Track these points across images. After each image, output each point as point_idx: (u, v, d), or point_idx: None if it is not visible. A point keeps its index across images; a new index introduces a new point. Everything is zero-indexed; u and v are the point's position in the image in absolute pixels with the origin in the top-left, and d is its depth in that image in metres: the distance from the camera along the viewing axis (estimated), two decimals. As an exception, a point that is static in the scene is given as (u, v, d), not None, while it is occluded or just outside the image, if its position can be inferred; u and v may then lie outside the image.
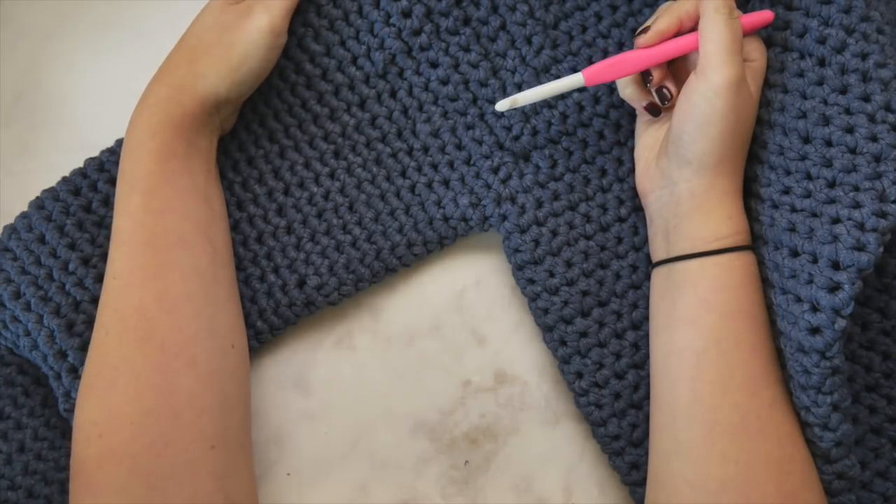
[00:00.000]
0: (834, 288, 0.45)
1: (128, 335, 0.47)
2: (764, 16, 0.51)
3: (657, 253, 0.53)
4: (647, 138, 0.55)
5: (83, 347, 0.51)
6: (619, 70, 0.51)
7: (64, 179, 0.56)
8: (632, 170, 0.57)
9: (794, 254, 0.47)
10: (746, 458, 0.46)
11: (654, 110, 0.53)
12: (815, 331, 0.45)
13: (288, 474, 0.57)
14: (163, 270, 0.48)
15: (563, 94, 0.57)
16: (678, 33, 0.51)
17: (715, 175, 0.49)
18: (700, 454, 0.47)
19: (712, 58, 0.47)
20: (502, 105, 0.52)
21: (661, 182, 0.52)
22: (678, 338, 0.49)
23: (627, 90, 0.54)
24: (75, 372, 0.51)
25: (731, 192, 0.50)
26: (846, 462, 0.47)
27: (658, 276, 0.52)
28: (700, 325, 0.48)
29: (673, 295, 0.50)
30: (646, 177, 0.54)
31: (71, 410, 0.51)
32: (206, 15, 0.54)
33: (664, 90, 0.52)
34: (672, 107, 0.52)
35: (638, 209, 0.57)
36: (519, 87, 0.57)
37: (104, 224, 0.55)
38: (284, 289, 0.56)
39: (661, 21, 0.50)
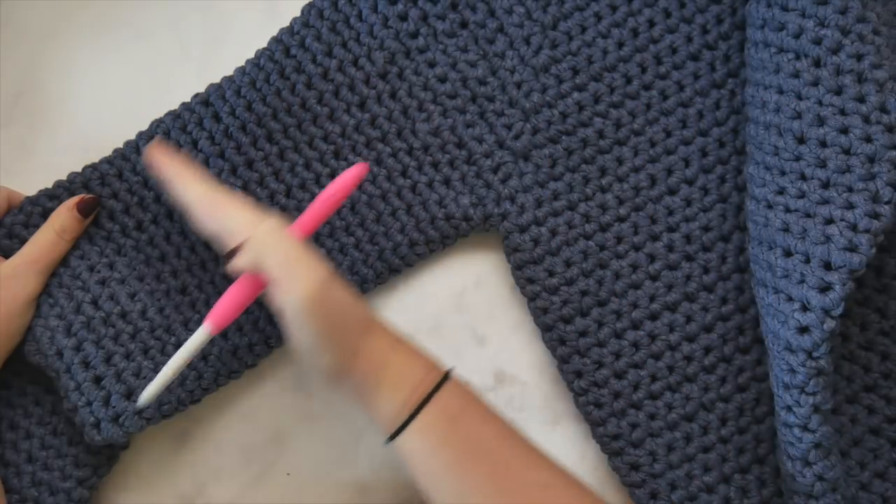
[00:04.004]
0: (825, 288, 0.47)
1: None
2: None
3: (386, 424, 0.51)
4: None
5: (77, 348, 0.54)
6: (241, 305, 0.52)
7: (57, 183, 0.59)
8: (632, 170, 0.59)
9: (788, 254, 0.49)
10: None
11: None
12: (803, 330, 0.47)
13: (288, 474, 0.59)
14: None
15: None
16: None
17: (351, 370, 0.49)
18: None
19: None
20: (143, 399, 0.52)
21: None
22: (442, 501, 0.49)
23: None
24: (69, 372, 0.54)
25: (379, 366, 0.49)
26: (826, 463, 0.49)
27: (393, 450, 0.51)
28: (448, 484, 0.48)
29: (412, 466, 0.49)
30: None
31: (72, 410, 0.54)
32: None
33: None
34: None
35: (638, 209, 0.59)
36: (518, 87, 0.60)
37: (111, 238, 0.58)
38: None
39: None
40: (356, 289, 0.59)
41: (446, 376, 0.50)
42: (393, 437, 0.49)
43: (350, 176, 0.51)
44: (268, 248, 0.48)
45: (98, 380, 0.54)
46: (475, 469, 0.48)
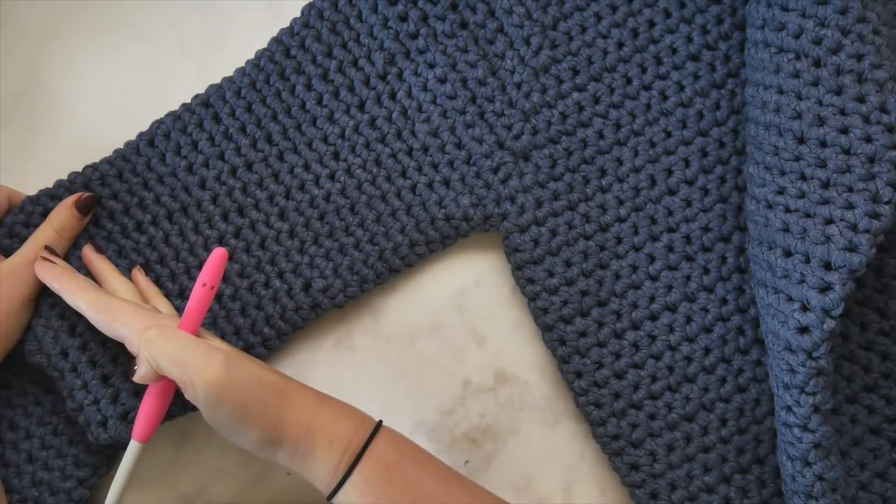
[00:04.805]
0: (825, 288, 0.47)
1: None
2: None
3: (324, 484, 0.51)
4: None
5: (83, 347, 0.55)
6: (160, 411, 0.53)
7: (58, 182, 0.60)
8: (632, 170, 0.60)
9: (788, 254, 0.50)
10: None
11: None
12: (803, 330, 0.47)
13: (288, 474, 0.59)
14: None
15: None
16: None
17: (280, 441, 0.49)
18: None
19: None
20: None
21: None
22: None
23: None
24: (75, 371, 0.55)
25: (307, 432, 0.50)
26: (826, 463, 0.49)
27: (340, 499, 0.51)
28: None
29: None
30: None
31: (76, 409, 0.54)
32: None
33: None
34: None
35: (638, 209, 0.59)
36: (518, 87, 0.60)
37: (111, 238, 0.59)
38: (290, 293, 0.59)
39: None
40: (356, 289, 0.59)
41: (378, 427, 0.51)
42: (332, 494, 0.49)
43: (214, 261, 0.52)
44: (159, 353, 0.49)
45: (106, 378, 0.55)
46: None
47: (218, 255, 0.51)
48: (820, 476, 0.50)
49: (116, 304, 0.53)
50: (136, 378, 0.51)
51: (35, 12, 0.66)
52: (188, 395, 0.49)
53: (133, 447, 0.52)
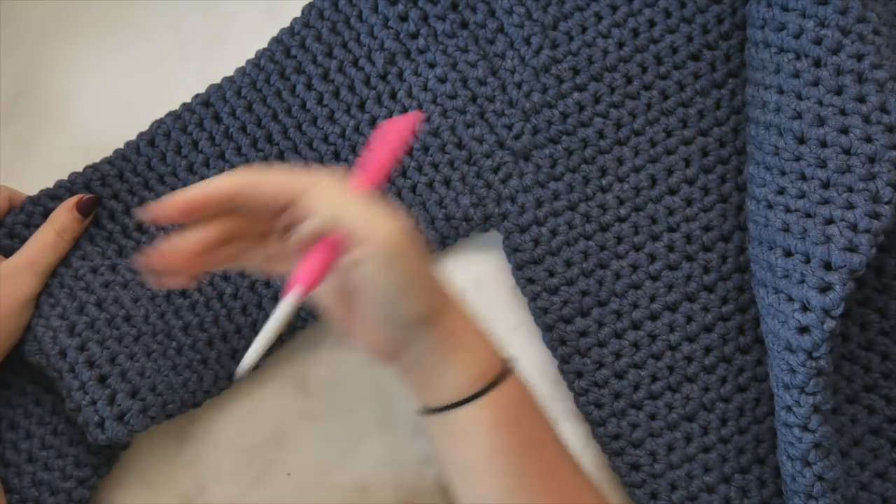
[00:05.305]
0: (825, 288, 0.47)
1: None
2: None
3: (428, 400, 0.49)
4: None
5: (81, 347, 0.55)
6: (326, 267, 0.46)
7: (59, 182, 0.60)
8: (632, 170, 0.60)
9: (788, 254, 0.50)
10: None
11: None
12: (803, 330, 0.47)
13: (288, 474, 0.59)
14: None
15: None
16: None
17: (437, 323, 0.47)
18: None
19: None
20: (240, 371, 0.46)
21: (396, 347, 0.48)
22: (480, 488, 0.48)
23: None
24: (73, 371, 0.55)
25: (460, 330, 0.48)
26: (826, 463, 0.50)
27: (434, 424, 0.49)
28: (497, 469, 0.47)
29: (459, 443, 0.48)
30: (378, 348, 0.49)
31: (74, 410, 0.54)
32: None
33: None
34: None
35: (638, 209, 0.59)
36: (518, 87, 0.60)
37: (112, 239, 0.59)
38: None
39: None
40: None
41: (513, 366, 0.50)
42: (453, 406, 0.47)
43: (405, 122, 0.48)
44: (340, 203, 0.44)
45: (103, 379, 0.55)
46: (528, 461, 0.47)
47: (413, 115, 0.47)
48: (820, 476, 0.50)
49: (268, 168, 0.47)
50: (303, 233, 0.45)
51: (35, 12, 0.66)
52: (354, 255, 0.44)
53: (291, 297, 0.45)
